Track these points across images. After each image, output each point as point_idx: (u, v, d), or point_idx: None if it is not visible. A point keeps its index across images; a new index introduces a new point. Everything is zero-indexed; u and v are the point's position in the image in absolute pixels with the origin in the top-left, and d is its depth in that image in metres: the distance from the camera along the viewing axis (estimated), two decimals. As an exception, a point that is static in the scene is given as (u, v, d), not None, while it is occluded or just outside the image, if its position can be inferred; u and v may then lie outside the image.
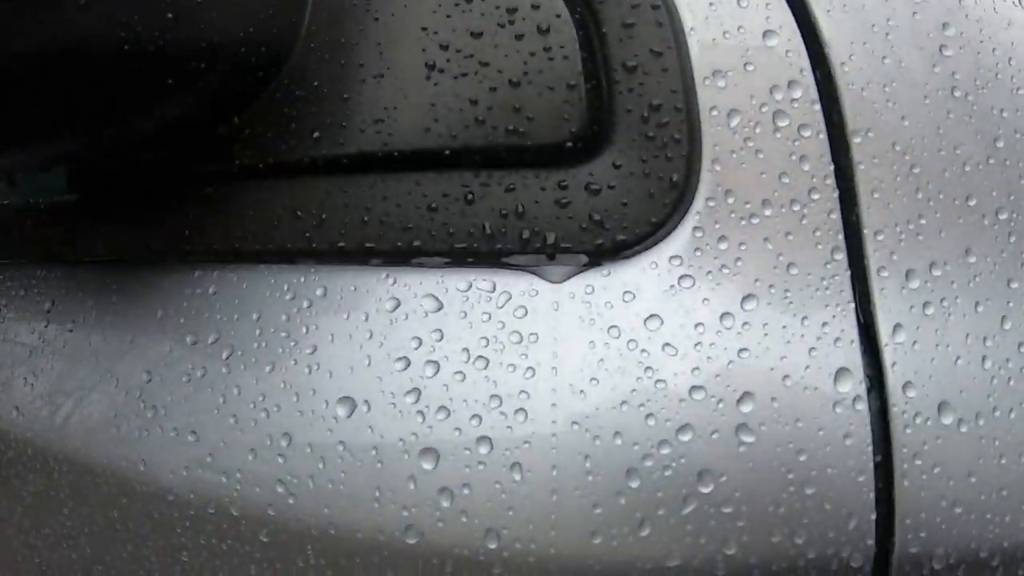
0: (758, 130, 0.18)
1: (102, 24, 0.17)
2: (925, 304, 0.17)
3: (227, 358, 0.21)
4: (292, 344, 0.20)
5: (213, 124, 0.21)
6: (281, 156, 0.21)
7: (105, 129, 0.21)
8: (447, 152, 0.19)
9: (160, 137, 0.22)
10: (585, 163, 0.18)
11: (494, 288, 0.19)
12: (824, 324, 0.17)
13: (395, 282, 0.19)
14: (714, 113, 0.18)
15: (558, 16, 0.18)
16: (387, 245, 0.20)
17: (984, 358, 0.18)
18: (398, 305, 0.19)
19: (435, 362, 0.18)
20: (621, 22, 0.18)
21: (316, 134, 0.20)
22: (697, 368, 0.17)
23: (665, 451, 0.17)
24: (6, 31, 0.16)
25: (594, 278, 0.18)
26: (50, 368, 0.26)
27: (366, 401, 0.18)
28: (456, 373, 0.18)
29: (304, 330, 0.20)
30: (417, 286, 0.19)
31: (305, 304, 0.20)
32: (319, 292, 0.20)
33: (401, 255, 0.19)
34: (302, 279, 0.20)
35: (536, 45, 0.18)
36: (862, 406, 0.17)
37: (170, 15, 0.18)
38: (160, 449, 0.21)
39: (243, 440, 0.20)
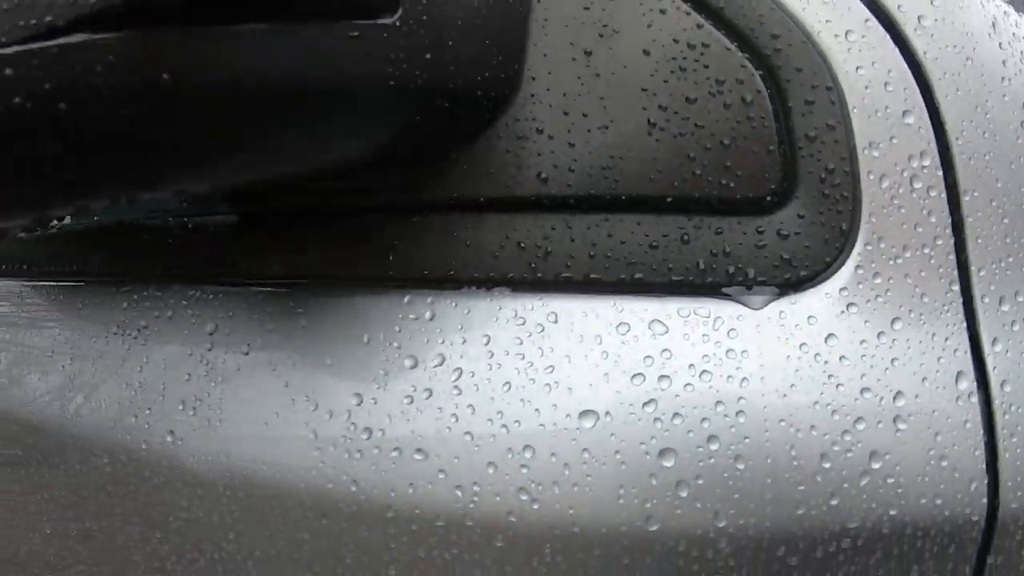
0: (900, 190, 0.27)
1: (370, 59, 0.22)
2: (1013, 322, 0.28)
3: (456, 380, 0.26)
4: (528, 365, 0.26)
5: (433, 158, 0.26)
6: (505, 193, 0.26)
7: (318, 160, 0.25)
8: (668, 199, 0.26)
9: (378, 165, 0.26)
10: (777, 213, 0.27)
11: (709, 314, 0.26)
12: (946, 339, 0.27)
13: (622, 309, 0.26)
14: (870, 176, 0.27)
15: (758, 92, 0.26)
16: (612, 277, 0.26)
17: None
18: (629, 329, 0.26)
19: (667, 376, 0.25)
20: (804, 100, 0.26)
21: (543, 175, 0.26)
22: (864, 374, 0.26)
23: (847, 438, 0.25)
24: (267, 61, 0.21)
25: (785, 305, 0.26)
26: (218, 392, 0.29)
27: (608, 412, 0.25)
28: (686, 385, 0.25)
29: (539, 352, 0.26)
30: (643, 312, 0.26)
31: (537, 328, 0.26)
32: (550, 317, 0.26)
33: (625, 286, 0.26)
34: (530, 306, 0.26)
35: (741, 114, 0.26)
36: (975, 399, 0.27)
37: (428, 55, 0.23)
38: (377, 469, 0.26)
39: (480, 455, 0.25)
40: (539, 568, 0.25)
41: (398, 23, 0.21)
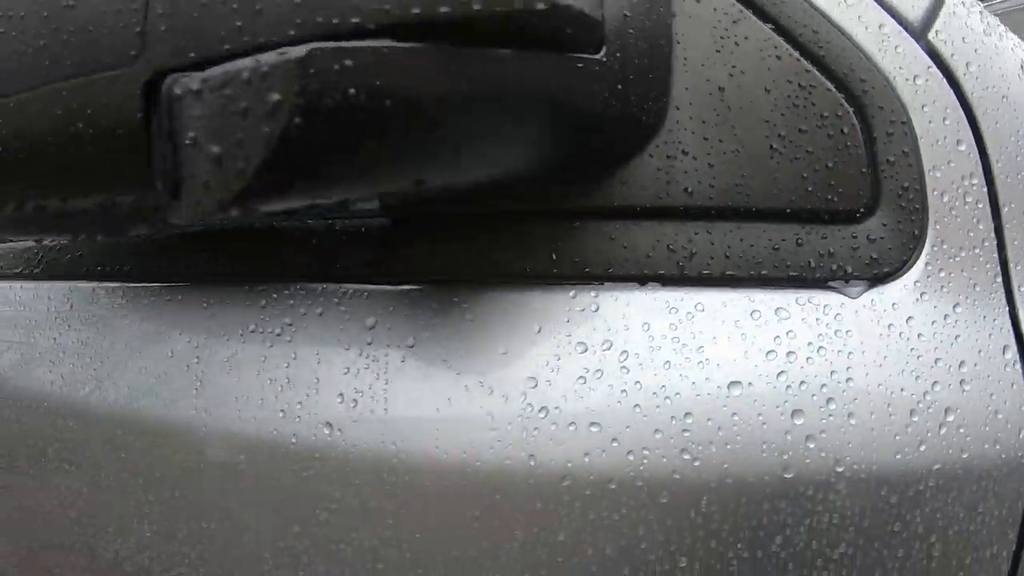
0: (956, 204, 0.36)
1: (587, 86, 0.28)
2: (1041, 306, 0.37)
3: (623, 360, 0.33)
4: (683, 346, 0.33)
5: (602, 171, 0.33)
6: (657, 203, 0.34)
7: (513, 170, 0.31)
8: (788, 210, 0.34)
9: (558, 176, 0.33)
10: (866, 222, 0.35)
11: (820, 302, 0.34)
12: (994, 320, 0.36)
13: (753, 299, 0.34)
14: (935, 193, 0.36)
15: (852, 125, 0.35)
16: (744, 273, 0.34)
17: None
18: (760, 315, 0.34)
19: (793, 352, 0.33)
20: (885, 131, 0.35)
21: (689, 188, 0.34)
22: (936, 347, 0.35)
23: (928, 397, 0.34)
24: (512, 79, 0.27)
25: (875, 295, 0.35)
26: (382, 383, 0.35)
27: (750, 383, 0.33)
28: (808, 358, 0.33)
29: (691, 335, 0.33)
30: (770, 301, 0.34)
31: (687, 315, 0.33)
32: (697, 306, 0.34)
33: (754, 280, 0.34)
34: (680, 297, 0.34)
35: (841, 142, 0.34)
36: (1018, 367, 0.36)
37: (619, 87, 0.30)
38: (553, 443, 0.33)
39: (647, 423, 0.32)
40: (696, 519, 0.32)
41: (604, 59, 0.28)
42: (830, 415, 0.33)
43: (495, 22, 0.23)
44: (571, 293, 0.34)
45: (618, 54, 0.29)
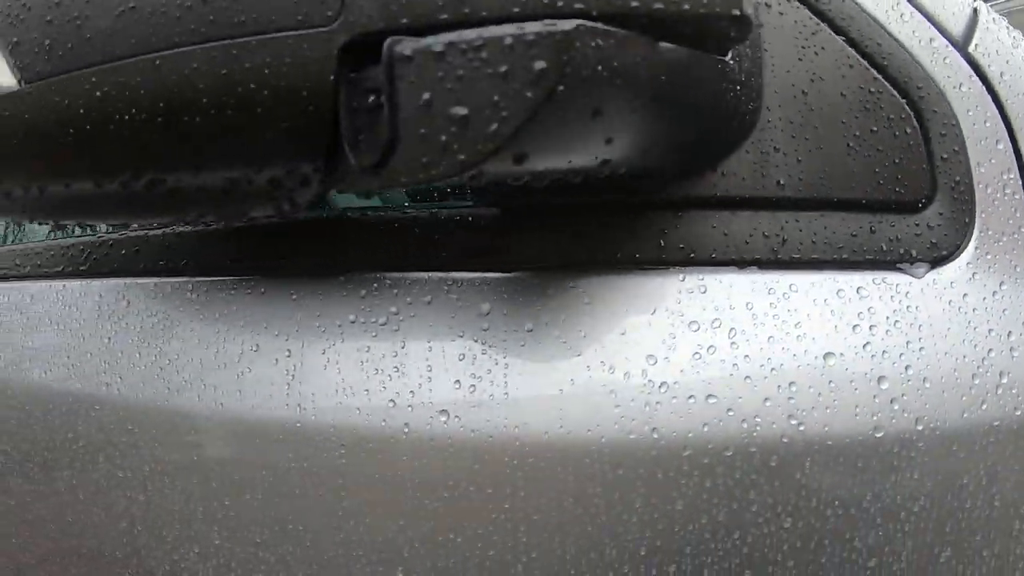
0: (998, 195, 0.43)
1: (723, 83, 0.33)
2: (1068, 283, 0.44)
3: (731, 336, 0.38)
4: (782, 322, 0.38)
5: (707, 164, 0.38)
6: (753, 194, 0.39)
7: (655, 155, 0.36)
8: (864, 201, 0.40)
9: (648, 167, 0.38)
10: (927, 211, 0.41)
11: (893, 282, 0.40)
12: (1031, 295, 0.43)
13: (836, 280, 0.40)
14: (980, 185, 0.43)
15: (914, 127, 0.41)
16: (827, 257, 0.40)
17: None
18: (845, 293, 0.39)
19: (875, 325, 0.39)
20: (940, 133, 0.42)
21: (781, 181, 0.39)
22: (988, 320, 0.41)
23: (985, 362, 0.40)
24: (662, 71, 0.31)
25: (935, 275, 0.41)
26: (501, 367, 0.39)
27: (842, 354, 0.38)
28: (887, 330, 0.39)
29: (788, 311, 0.39)
30: (851, 281, 0.40)
31: (783, 295, 0.39)
32: (791, 287, 0.39)
33: (837, 264, 0.40)
34: (776, 279, 0.39)
35: (904, 142, 0.41)
36: (1053, 334, 0.43)
37: (738, 88, 0.35)
38: (675, 416, 0.37)
39: (758, 393, 0.37)
40: (800, 479, 0.38)
41: (732, 61, 0.34)
42: (909, 380, 0.39)
43: (689, 21, 0.28)
44: (680, 277, 0.39)
45: (737, 59, 0.35)
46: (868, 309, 0.39)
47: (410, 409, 0.39)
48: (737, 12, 0.29)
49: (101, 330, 0.50)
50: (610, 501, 0.37)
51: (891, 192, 0.40)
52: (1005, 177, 0.43)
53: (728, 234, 0.39)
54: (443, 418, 0.38)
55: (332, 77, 0.28)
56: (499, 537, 0.38)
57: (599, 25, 0.25)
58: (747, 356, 0.37)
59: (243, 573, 0.43)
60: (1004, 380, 0.40)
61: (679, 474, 0.36)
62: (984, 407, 0.39)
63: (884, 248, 0.40)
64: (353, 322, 0.41)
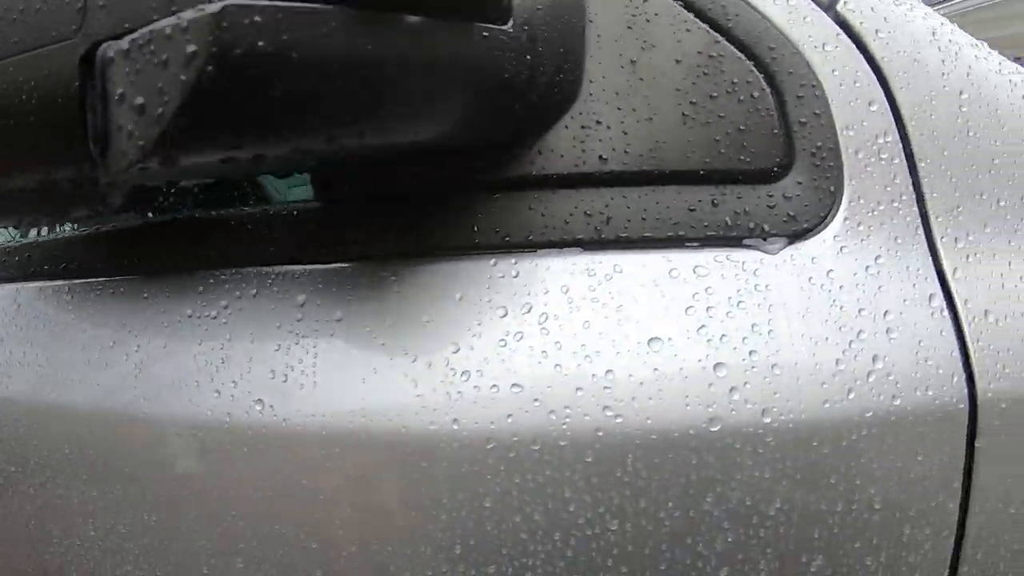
0: (872, 160, 0.39)
1: (493, 55, 0.31)
2: (967, 256, 0.39)
3: (542, 321, 0.35)
4: (601, 305, 0.35)
5: (518, 142, 0.36)
6: (573, 171, 0.37)
7: (437, 138, 0.34)
8: (702, 172, 0.37)
9: (474, 148, 0.36)
10: (782, 181, 0.38)
11: (738, 259, 0.36)
12: (918, 270, 0.38)
13: (671, 259, 0.36)
14: (848, 151, 0.38)
15: (762, 89, 0.37)
16: (661, 235, 0.37)
17: (1003, 284, 0.40)
18: (679, 273, 0.36)
19: (713, 306, 0.35)
20: (796, 95, 0.38)
21: (603, 156, 0.37)
22: (859, 298, 0.37)
23: (854, 346, 0.36)
24: (416, 46, 0.29)
25: (794, 250, 0.37)
26: (311, 357, 0.37)
27: (670, 338, 0.35)
28: (728, 312, 0.35)
29: (609, 295, 0.36)
30: (688, 259, 0.36)
31: (605, 277, 0.36)
32: (616, 268, 0.36)
33: (672, 241, 0.36)
34: (599, 260, 0.36)
35: (751, 106, 0.37)
36: (946, 314, 0.37)
37: (527, 57, 0.33)
38: (476, 406, 0.35)
39: (569, 382, 0.35)
40: (622, 477, 0.34)
41: (511, 30, 0.31)
42: (753, 367, 0.35)
43: None
44: (492, 261, 0.37)
45: (526, 28, 0.33)
46: (706, 289, 0.36)
47: (232, 399, 0.38)
48: None
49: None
50: (418, 494, 0.35)
51: (736, 162, 0.37)
52: (881, 140, 0.39)
53: (546, 215, 0.37)
54: (258, 407, 0.37)
55: (77, 84, 0.30)
56: (316, 529, 0.37)
57: (255, 2, 0.25)
58: (558, 343, 0.35)
59: (116, 563, 0.43)
60: (878, 366, 0.36)
61: (484, 468, 0.34)
62: (852, 396, 0.35)
63: (728, 223, 0.37)
64: (190, 317, 0.41)
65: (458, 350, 0.35)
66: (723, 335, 0.35)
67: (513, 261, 0.37)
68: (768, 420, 0.35)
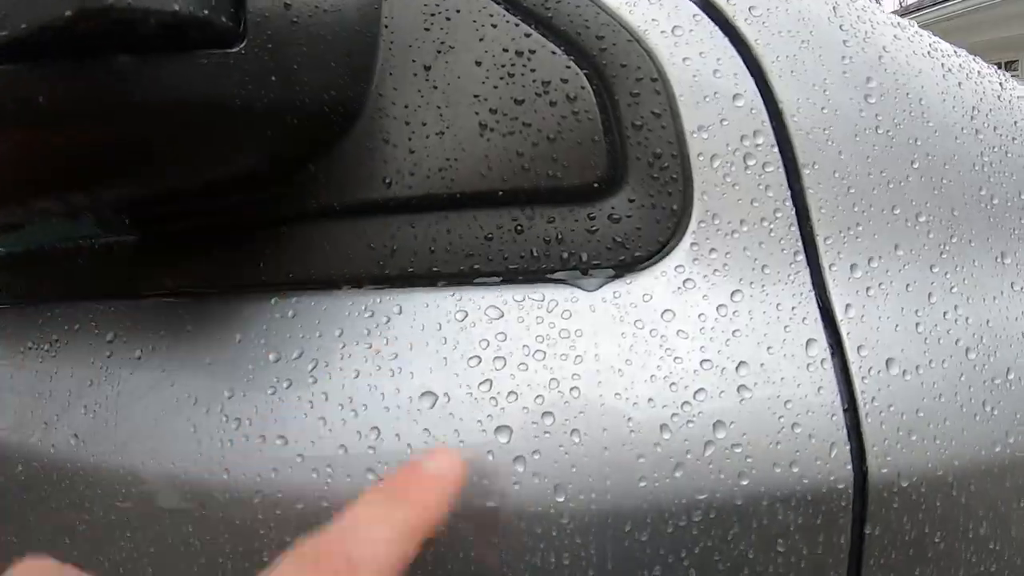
0: (733, 168, 0.30)
1: (218, 83, 0.27)
2: (867, 288, 0.29)
3: (312, 370, 0.30)
4: (375, 353, 0.30)
5: (289, 172, 0.32)
6: (354, 199, 0.32)
7: (192, 176, 0.31)
8: (500, 192, 0.30)
9: (238, 183, 0.32)
10: (608, 199, 0.30)
11: (544, 298, 0.30)
12: (793, 308, 0.29)
13: (460, 298, 0.30)
14: (700, 158, 0.30)
15: (582, 87, 0.31)
16: (452, 269, 0.31)
17: (917, 324, 0.30)
18: (467, 316, 0.30)
19: (502, 358, 0.29)
20: (629, 92, 0.31)
21: (388, 180, 0.31)
22: (704, 347, 0.29)
23: (687, 409, 0.28)
24: (143, 84, 0.26)
25: (620, 286, 0.30)
26: (115, 395, 0.35)
27: (446, 393, 0.29)
28: (520, 364, 0.29)
29: (385, 341, 0.30)
30: (480, 300, 0.30)
31: (384, 320, 0.30)
32: (395, 310, 0.31)
33: (464, 276, 0.30)
34: (378, 300, 0.31)
35: (566, 109, 0.31)
36: (828, 366, 0.28)
37: (273, 78, 0.29)
38: (245, 457, 0.30)
39: (333, 438, 0.29)
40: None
41: (243, 51, 0.27)
42: (546, 432, 0.28)
43: (65, 35, 0.23)
44: (272, 300, 0.32)
45: (270, 46, 0.28)
46: (496, 336, 0.29)
47: (55, 430, 0.37)
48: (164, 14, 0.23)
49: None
50: (201, 544, 0.31)
51: (545, 178, 0.30)
52: (748, 144, 0.31)
53: (328, 249, 0.32)
54: (73, 441, 0.35)
55: None
56: (128, 566, 0.34)
57: None
58: (325, 394, 0.29)
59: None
60: (720, 435, 0.28)
61: (256, 521, 0.29)
62: (679, 474, 0.27)
63: (535, 253, 0.30)
64: (31, 348, 0.41)
65: (232, 396, 0.31)
66: (512, 392, 0.28)
67: (293, 300, 0.32)
68: (562, 499, 0.27)
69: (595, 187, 0.30)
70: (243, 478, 0.30)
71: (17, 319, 0.43)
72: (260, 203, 0.33)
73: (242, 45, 0.28)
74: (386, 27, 0.33)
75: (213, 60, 0.27)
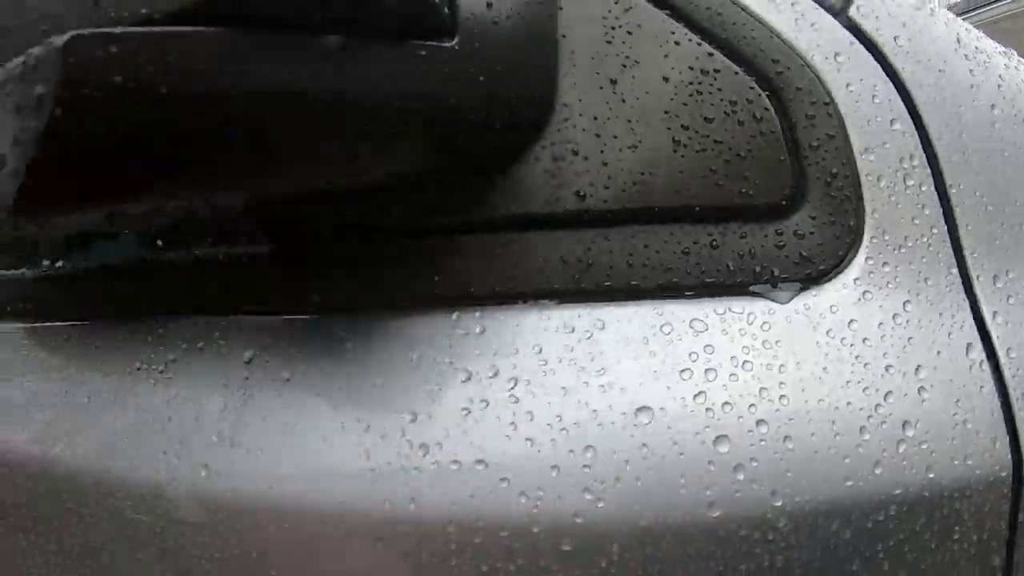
0: (896, 188, 0.33)
1: (434, 78, 0.26)
2: (1008, 297, 0.33)
3: (511, 388, 0.30)
4: (580, 370, 0.30)
5: (479, 177, 0.31)
6: (546, 210, 0.31)
7: (367, 174, 0.29)
8: (696, 208, 0.31)
9: (412, 187, 0.30)
10: (792, 215, 0.32)
11: (743, 310, 0.31)
12: (953, 316, 0.33)
13: (662, 312, 0.31)
14: (869, 178, 0.33)
15: (766, 109, 0.32)
16: (651, 283, 0.31)
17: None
18: (672, 329, 0.30)
19: (713, 369, 0.30)
20: (805, 114, 0.32)
21: (581, 192, 0.31)
22: (886, 352, 0.31)
23: (880, 411, 0.30)
24: (340, 73, 0.24)
25: (808, 298, 0.32)
26: (258, 423, 0.32)
27: (662, 408, 0.29)
28: (730, 375, 0.30)
29: (590, 357, 0.30)
30: (683, 313, 0.31)
31: (586, 335, 0.30)
32: (597, 324, 0.31)
33: (663, 291, 0.31)
34: (577, 315, 0.31)
35: (754, 129, 0.32)
36: (986, 367, 0.32)
37: (481, 79, 0.28)
38: (435, 483, 0.29)
39: (543, 458, 0.29)
40: (608, 568, 0.29)
41: (457, 47, 0.26)
42: (761, 440, 0.29)
43: (291, 5, 0.21)
44: (453, 316, 0.31)
45: (477, 44, 0.27)
46: (705, 348, 0.30)
47: (177, 460, 0.33)
48: None
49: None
50: (413, 570, 0.30)
51: (738, 195, 0.31)
52: (906, 165, 0.33)
53: (516, 262, 0.31)
54: (204, 473, 0.32)
55: None
56: None
57: (111, 30, 0.20)
58: (530, 413, 0.29)
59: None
60: (909, 433, 0.30)
61: (447, 555, 0.28)
62: (879, 471, 0.29)
63: (731, 267, 0.31)
64: (139, 369, 0.36)
65: (415, 420, 0.30)
66: (726, 403, 0.30)
67: (477, 315, 0.31)
68: (779, 503, 0.29)
69: (783, 204, 0.32)
70: (435, 508, 0.29)
71: (118, 336, 0.38)
72: (430, 211, 0.32)
73: (454, 41, 0.27)
74: (563, 37, 0.33)
75: (430, 53, 0.26)
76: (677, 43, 0.33)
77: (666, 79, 0.33)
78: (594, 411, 0.30)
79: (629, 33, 0.33)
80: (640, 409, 0.30)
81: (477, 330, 0.32)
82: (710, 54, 0.33)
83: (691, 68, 0.33)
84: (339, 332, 0.33)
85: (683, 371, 0.31)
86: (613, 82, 0.33)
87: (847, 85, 0.34)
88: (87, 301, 0.41)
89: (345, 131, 0.26)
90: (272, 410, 0.33)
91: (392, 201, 0.32)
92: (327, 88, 0.24)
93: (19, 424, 0.41)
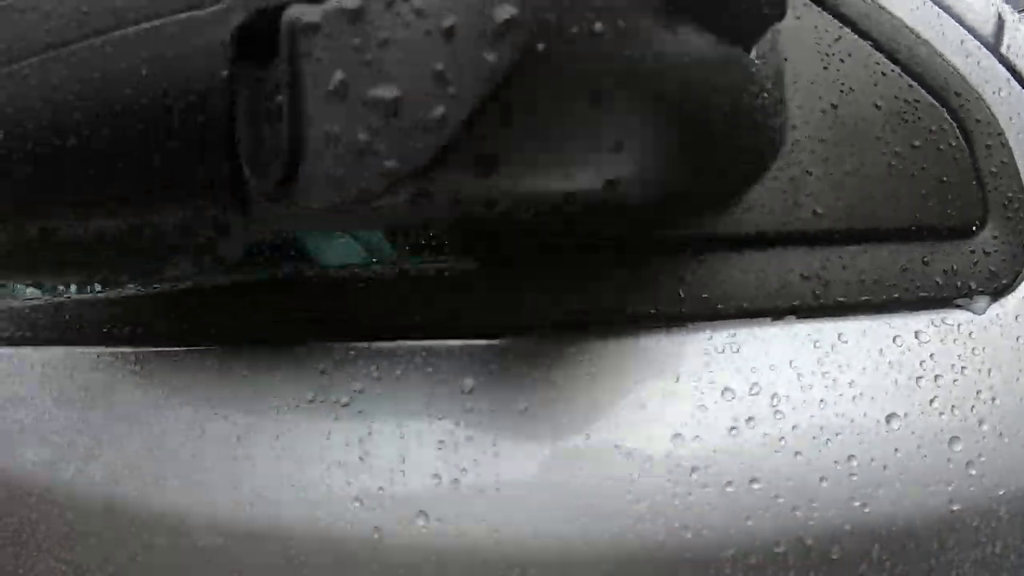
0: (1055, 210, 0.37)
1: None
2: None
3: (774, 403, 0.31)
4: (833, 381, 0.32)
5: (725, 198, 0.32)
6: (783, 227, 0.32)
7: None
8: (913, 228, 0.34)
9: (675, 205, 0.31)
10: (980, 235, 0.35)
11: (953, 321, 0.34)
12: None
13: (892, 325, 0.33)
14: (1036, 201, 0.37)
15: (957, 139, 0.35)
16: (879, 298, 0.33)
17: None
18: (903, 340, 0.33)
19: (940, 375, 0.32)
20: (985, 144, 0.36)
21: (818, 210, 0.33)
22: (1060, 356, 0.35)
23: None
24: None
25: (999, 309, 0.35)
26: (490, 459, 0.31)
27: (906, 414, 0.31)
28: (954, 381, 0.33)
29: (838, 367, 0.32)
30: (907, 325, 0.33)
31: (831, 347, 0.32)
32: (840, 336, 0.32)
33: (889, 305, 0.33)
34: (820, 328, 0.32)
35: (950, 156, 0.35)
36: None
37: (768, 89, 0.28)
38: (710, 507, 0.30)
39: (812, 471, 0.30)
40: (868, 570, 0.31)
41: (756, 58, 0.27)
42: (984, 438, 0.32)
43: None
44: (707, 334, 0.32)
45: (761, 58, 0.28)
46: (931, 356, 0.33)
47: (381, 510, 0.31)
48: None
49: (38, 404, 0.41)
50: None
51: (942, 216, 0.34)
52: (1057, 192, 0.37)
53: (759, 278, 0.32)
54: (421, 521, 0.30)
55: (226, 73, 0.20)
56: None
57: None
58: (795, 427, 0.30)
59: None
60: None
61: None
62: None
63: (940, 282, 0.34)
64: (311, 402, 0.33)
65: (683, 441, 0.30)
66: (953, 406, 0.32)
67: (731, 332, 0.32)
68: (1002, 492, 0.32)
69: (974, 225, 0.35)
70: (709, 533, 0.30)
71: (273, 364, 0.35)
72: (678, 226, 0.32)
73: (753, 52, 0.28)
74: (786, 59, 0.34)
75: (749, 63, 0.27)
76: (883, 74, 0.36)
77: (877, 106, 0.35)
78: (851, 420, 0.32)
79: (842, 61, 0.35)
80: (890, 416, 0.32)
81: (732, 347, 0.32)
82: (910, 85, 0.36)
83: (896, 97, 0.36)
84: (574, 352, 0.33)
85: (919, 378, 0.33)
86: (834, 107, 0.35)
87: (1010, 117, 0.38)
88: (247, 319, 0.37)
89: (664, 120, 0.26)
90: (503, 446, 0.31)
91: (638, 215, 0.32)
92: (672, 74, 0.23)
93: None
